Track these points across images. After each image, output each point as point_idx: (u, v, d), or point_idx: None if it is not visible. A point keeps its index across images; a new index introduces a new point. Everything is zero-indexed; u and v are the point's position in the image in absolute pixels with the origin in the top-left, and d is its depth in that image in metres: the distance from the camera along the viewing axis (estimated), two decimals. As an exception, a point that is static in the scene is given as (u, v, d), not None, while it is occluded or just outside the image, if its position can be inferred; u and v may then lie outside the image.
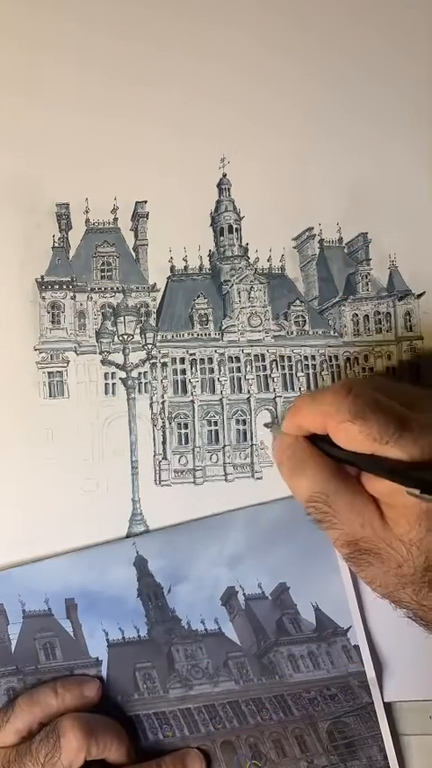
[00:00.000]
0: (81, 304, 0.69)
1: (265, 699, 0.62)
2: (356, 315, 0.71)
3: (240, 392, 0.69)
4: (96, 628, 0.62)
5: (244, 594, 0.63)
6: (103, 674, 0.61)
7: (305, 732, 0.61)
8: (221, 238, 0.70)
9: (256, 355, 0.70)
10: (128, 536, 0.64)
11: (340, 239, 0.70)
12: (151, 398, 0.68)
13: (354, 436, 0.49)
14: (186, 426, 0.68)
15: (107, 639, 0.62)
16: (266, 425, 0.64)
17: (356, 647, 0.62)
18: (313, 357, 0.70)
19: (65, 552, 0.63)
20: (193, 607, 0.62)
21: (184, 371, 0.69)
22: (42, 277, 0.68)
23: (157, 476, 0.66)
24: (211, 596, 0.62)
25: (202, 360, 0.70)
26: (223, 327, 0.71)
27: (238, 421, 0.69)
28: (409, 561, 0.49)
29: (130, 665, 0.62)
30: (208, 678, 0.62)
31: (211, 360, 0.70)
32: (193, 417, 0.68)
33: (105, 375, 0.67)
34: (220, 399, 0.69)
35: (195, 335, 0.71)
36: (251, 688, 0.62)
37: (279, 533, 0.62)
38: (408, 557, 0.49)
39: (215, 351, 0.70)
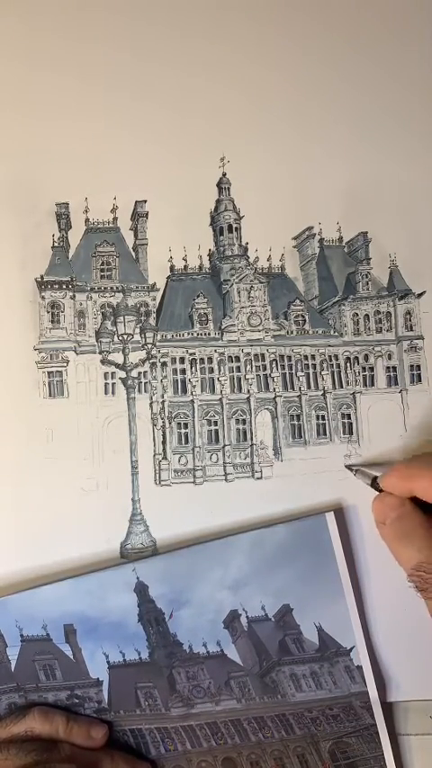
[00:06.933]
0: (81, 304, 0.69)
1: (266, 717, 0.62)
2: (356, 314, 0.71)
3: (240, 392, 0.69)
4: (97, 651, 0.62)
5: (247, 617, 0.62)
6: (105, 692, 0.62)
7: (307, 751, 0.61)
8: (221, 238, 0.70)
9: (255, 355, 0.70)
10: (127, 539, 0.64)
11: (340, 238, 0.70)
12: (151, 398, 0.68)
13: None
14: (186, 426, 0.68)
15: (108, 662, 0.62)
16: (349, 468, 0.64)
17: (359, 668, 0.61)
18: (313, 357, 0.70)
19: (64, 573, 0.63)
20: (195, 631, 0.62)
21: (183, 371, 0.69)
22: (42, 277, 0.68)
23: (157, 475, 0.66)
24: (214, 620, 0.62)
25: (201, 359, 0.70)
26: (223, 327, 0.71)
27: (238, 420, 0.69)
28: None
29: (131, 685, 0.62)
30: (210, 697, 0.62)
31: (210, 359, 0.70)
32: (193, 417, 0.68)
33: (105, 375, 0.67)
34: (220, 399, 0.69)
35: (195, 335, 0.71)
36: (253, 706, 0.62)
37: (282, 556, 0.62)
38: None
39: (215, 350, 0.70)
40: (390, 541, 0.56)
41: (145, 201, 0.68)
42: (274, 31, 0.70)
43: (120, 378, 0.67)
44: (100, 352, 0.68)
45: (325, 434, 0.68)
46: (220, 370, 0.70)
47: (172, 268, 0.69)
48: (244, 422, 0.69)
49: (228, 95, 0.69)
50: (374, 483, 0.59)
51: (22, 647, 0.61)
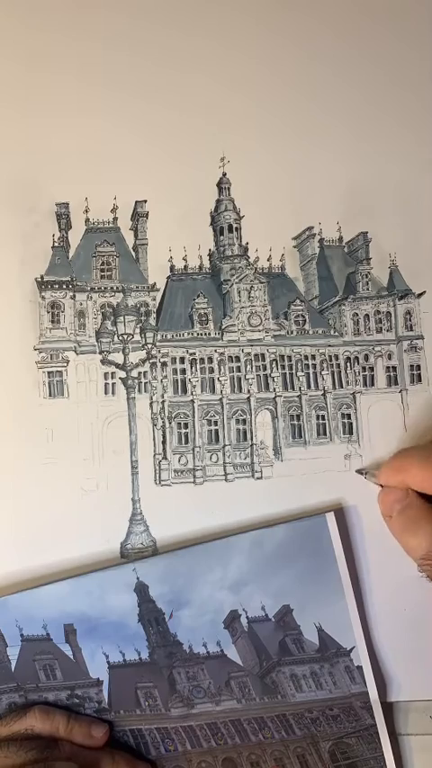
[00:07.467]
0: (81, 303, 0.69)
1: (267, 717, 0.61)
2: (357, 314, 0.71)
3: (240, 392, 0.69)
4: (97, 651, 0.62)
5: (247, 617, 0.62)
6: (105, 692, 0.62)
7: (307, 751, 0.61)
8: (221, 238, 0.70)
9: (256, 355, 0.70)
10: (127, 539, 0.64)
11: (340, 238, 0.70)
12: (151, 398, 0.68)
13: None
14: (186, 426, 0.68)
15: (108, 662, 0.62)
16: (360, 472, 0.63)
17: (359, 668, 0.61)
18: (313, 356, 0.70)
19: (64, 573, 0.63)
20: (195, 631, 0.62)
21: (183, 371, 0.69)
22: (42, 276, 0.68)
23: (157, 475, 0.66)
24: (214, 620, 0.62)
25: (201, 359, 0.70)
26: (223, 327, 0.71)
27: (238, 420, 0.69)
28: None
29: (131, 685, 0.62)
30: (210, 697, 0.62)
31: (210, 359, 0.70)
32: (193, 417, 0.68)
33: (105, 375, 0.67)
34: (220, 399, 0.69)
35: (195, 335, 0.71)
36: (253, 707, 0.62)
37: (283, 556, 0.62)
38: None
39: (215, 350, 0.70)
40: (397, 533, 0.56)
41: (145, 201, 0.68)
42: (275, 31, 0.70)
43: (120, 378, 0.67)
44: (100, 352, 0.68)
45: (325, 434, 0.68)
46: (220, 370, 0.70)
47: (172, 268, 0.69)
48: (244, 422, 0.69)
49: (228, 95, 0.69)
50: None
51: (22, 646, 0.61)
